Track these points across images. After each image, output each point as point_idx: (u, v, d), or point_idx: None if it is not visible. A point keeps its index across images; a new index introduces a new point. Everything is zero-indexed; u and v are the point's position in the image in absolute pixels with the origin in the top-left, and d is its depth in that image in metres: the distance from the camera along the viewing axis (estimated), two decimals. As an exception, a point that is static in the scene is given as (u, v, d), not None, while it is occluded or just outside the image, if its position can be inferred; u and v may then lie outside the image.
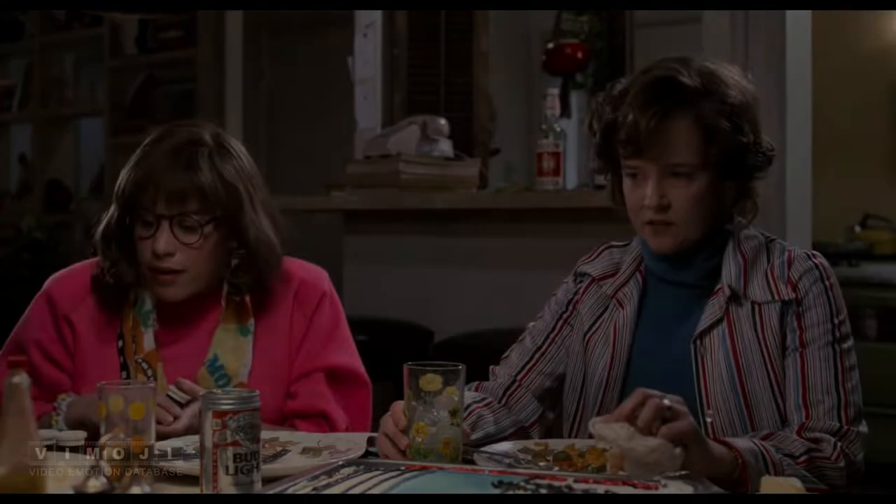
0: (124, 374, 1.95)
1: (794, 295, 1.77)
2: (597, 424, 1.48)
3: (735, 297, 1.79)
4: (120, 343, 1.97)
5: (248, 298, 2.01)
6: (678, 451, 1.43)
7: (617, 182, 1.88)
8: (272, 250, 1.98)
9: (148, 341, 1.97)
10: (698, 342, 1.79)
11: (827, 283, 1.78)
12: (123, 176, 1.94)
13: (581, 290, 1.95)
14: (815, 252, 1.83)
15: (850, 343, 1.78)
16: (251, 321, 2.01)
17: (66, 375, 1.97)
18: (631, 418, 1.45)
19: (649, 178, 1.78)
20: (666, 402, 1.47)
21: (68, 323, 1.98)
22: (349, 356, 2.07)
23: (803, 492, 1.36)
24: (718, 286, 1.81)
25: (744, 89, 1.81)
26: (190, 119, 2.06)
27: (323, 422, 2.00)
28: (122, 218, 1.95)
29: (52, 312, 1.99)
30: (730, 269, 1.81)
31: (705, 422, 1.75)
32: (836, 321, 1.76)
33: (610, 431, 1.46)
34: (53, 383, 1.96)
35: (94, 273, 2.00)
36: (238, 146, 2.00)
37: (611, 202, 1.92)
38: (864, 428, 1.74)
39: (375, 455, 1.66)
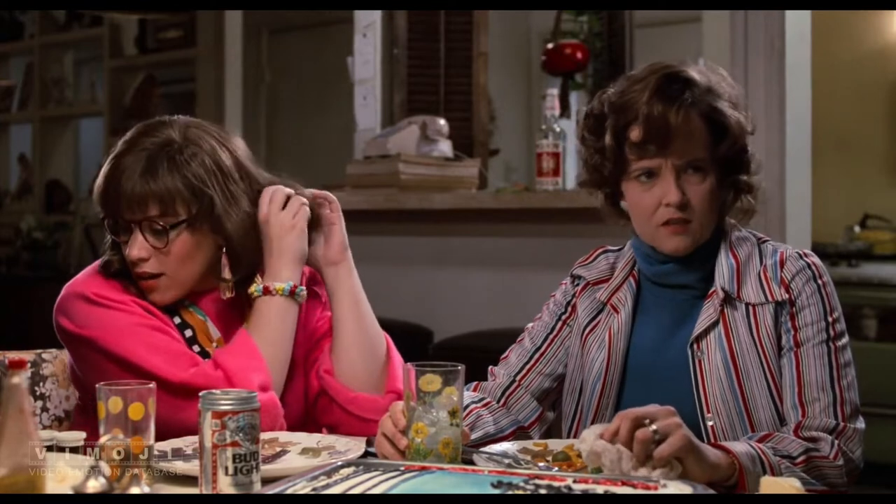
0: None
1: (787, 295, 1.77)
2: (598, 442, 1.48)
3: (729, 300, 1.79)
4: (189, 332, 1.95)
5: None
6: (656, 473, 1.45)
7: (610, 195, 1.88)
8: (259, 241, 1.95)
9: (213, 330, 1.97)
10: (695, 346, 1.79)
11: (820, 281, 1.78)
12: (97, 182, 1.93)
13: (577, 293, 1.95)
14: (807, 251, 1.83)
15: (845, 340, 1.78)
16: None
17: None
18: (626, 443, 1.46)
19: (665, 176, 1.78)
20: (652, 427, 1.46)
21: (137, 304, 1.93)
22: None
23: (803, 492, 1.36)
24: (712, 289, 1.81)
25: (735, 87, 1.84)
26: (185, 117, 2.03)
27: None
28: (106, 225, 1.94)
29: (117, 295, 1.92)
30: (723, 272, 1.81)
31: (706, 425, 1.75)
32: (829, 319, 1.77)
33: (607, 460, 1.47)
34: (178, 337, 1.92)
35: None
36: (219, 136, 1.95)
37: (606, 216, 1.91)
38: (861, 424, 1.74)
39: (374, 455, 1.66)
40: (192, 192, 1.88)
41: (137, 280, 1.93)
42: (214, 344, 1.95)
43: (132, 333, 1.86)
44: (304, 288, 1.97)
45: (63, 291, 1.94)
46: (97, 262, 1.99)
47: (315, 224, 2.00)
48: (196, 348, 1.93)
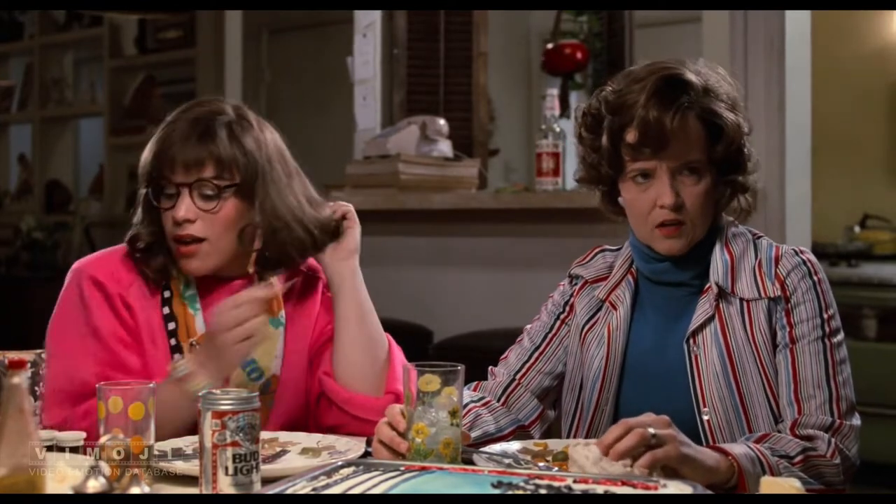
0: (177, 356, 1.92)
1: (781, 292, 1.78)
2: (578, 447, 1.49)
3: (723, 295, 1.80)
4: (172, 325, 1.95)
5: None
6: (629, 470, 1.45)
7: (607, 192, 1.88)
8: (298, 225, 1.96)
9: (199, 324, 1.96)
10: (691, 341, 1.80)
11: (815, 278, 1.79)
12: (146, 151, 1.97)
13: (575, 292, 1.96)
14: (802, 248, 1.84)
15: (840, 337, 1.79)
16: (282, 312, 2.02)
17: (138, 358, 1.93)
18: (605, 447, 1.46)
19: (660, 178, 1.78)
20: (651, 430, 1.47)
21: (124, 304, 1.94)
22: None
23: (803, 492, 1.36)
24: (707, 284, 1.82)
25: (734, 86, 1.84)
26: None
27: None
28: (148, 193, 1.96)
29: (106, 295, 1.94)
30: (717, 267, 1.82)
31: (702, 420, 1.75)
32: (824, 316, 1.77)
33: (580, 456, 1.47)
34: (135, 369, 1.91)
35: (138, 256, 1.98)
36: (262, 122, 2.02)
37: (605, 212, 1.92)
38: (856, 421, 1.75)
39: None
40: (246, 159, 1.93)
41: (178, 244, 1.93)
42: (192, 340, 1.94)
43: (77, 337, 1.91)
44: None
45: (75, 264, 1.99)
46: (123, 241, 2.01)
47: (337, 236, 2.02)
48: (173, 341, 1.94)
